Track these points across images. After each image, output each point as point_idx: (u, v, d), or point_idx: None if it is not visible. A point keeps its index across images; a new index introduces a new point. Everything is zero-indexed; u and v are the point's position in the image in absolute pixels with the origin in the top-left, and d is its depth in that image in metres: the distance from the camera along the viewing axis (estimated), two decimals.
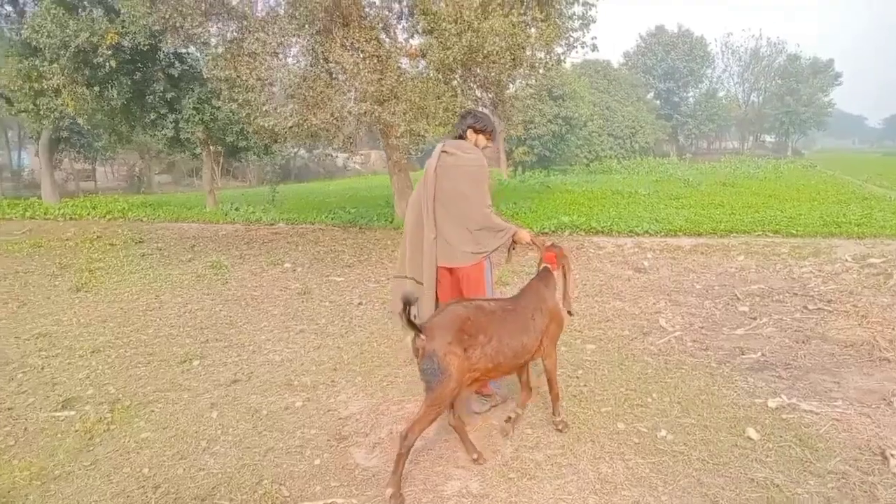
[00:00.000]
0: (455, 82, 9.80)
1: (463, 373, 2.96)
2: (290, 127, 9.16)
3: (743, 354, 4.74)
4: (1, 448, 3.48)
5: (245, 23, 9.40)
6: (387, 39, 9.87)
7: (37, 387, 4.34)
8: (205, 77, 9.97)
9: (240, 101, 9.51)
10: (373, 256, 9.12)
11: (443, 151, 3.61)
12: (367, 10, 9.93)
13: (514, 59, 9.00)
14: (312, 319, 5.95)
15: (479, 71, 9.68)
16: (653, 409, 3.78)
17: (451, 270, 3.62)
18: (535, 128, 29.33)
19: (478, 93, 10.62)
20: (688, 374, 4.35)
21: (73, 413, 3.88)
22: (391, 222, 11.88)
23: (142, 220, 13.71)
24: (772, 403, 3.83)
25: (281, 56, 9.21)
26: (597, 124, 34.64)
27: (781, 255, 8.18)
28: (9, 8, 14.40)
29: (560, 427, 3.52)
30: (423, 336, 2.89)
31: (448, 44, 8.49)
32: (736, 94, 57.77)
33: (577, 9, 11.09)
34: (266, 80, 8.72)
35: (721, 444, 3.33)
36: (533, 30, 9.53)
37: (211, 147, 15.67)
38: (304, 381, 4.37)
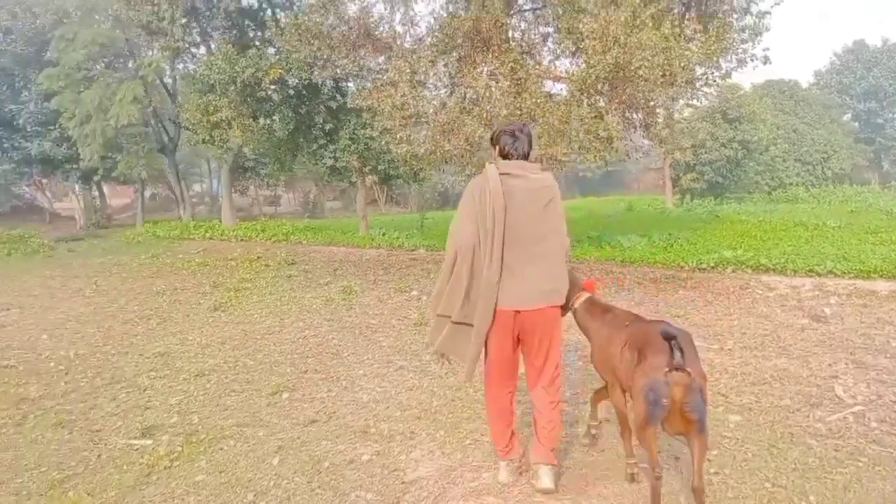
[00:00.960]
0: (601, 103, 9.07)
1: None
2: (427, 154, 9.09)
3: None
4: (69, 475, 3.48)
5: (390, 53, 9.57)
6: (530, 62, 9.43)
7: (130, 409, 4.41)
8: (349, 107, 10.32)
9: (379, 129, 9.68)
10: None
11: (503, 174, 2.93)
12: (511, 33, 9.63)
13: (664, 76, 8.06)
14: (417, 355, 5.56)
15: (627, 90, 8.84)
16: None
17: (517, 313, 2.96)
18: (705, 152, 27.02)
19: (627, 114, 9.73)
20: (867, 469, 3.23)
21: (148, 442, 3.82)
22: None
23: (301, 243, 14.53)
24: None
25: (419, 84, 9.18)
26: (781, 148, 31.08)
27: None
28: (203, 49, 16.40)
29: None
30: (688, 370, 2.60)
31: (592, 62, 7.86)
32: None
33: (749, 20, 9.77)
34: (401, 107, 8.70)
35: None
36: (692, 43, 8.54)
37: (366, 175, 16.32)
38: (382, 428, 3.95)
